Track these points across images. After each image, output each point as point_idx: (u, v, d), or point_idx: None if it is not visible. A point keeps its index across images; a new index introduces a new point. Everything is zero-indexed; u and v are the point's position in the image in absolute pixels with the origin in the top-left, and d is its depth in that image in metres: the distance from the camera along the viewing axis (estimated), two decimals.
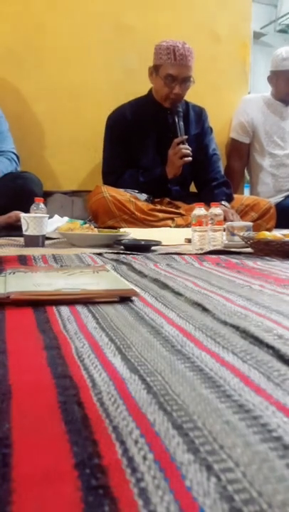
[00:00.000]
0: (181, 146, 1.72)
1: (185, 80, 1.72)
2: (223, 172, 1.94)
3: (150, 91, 1.85)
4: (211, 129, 1.95)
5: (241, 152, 2.26)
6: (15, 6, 1.91)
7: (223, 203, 1.76)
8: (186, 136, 1.74)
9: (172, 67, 1.69)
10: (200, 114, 1.92)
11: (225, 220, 1.58)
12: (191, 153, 1.72)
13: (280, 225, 1.86)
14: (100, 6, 2.03)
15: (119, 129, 1.81)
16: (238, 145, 2.25)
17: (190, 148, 1.73)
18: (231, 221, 1.61)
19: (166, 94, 1.75)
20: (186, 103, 1.89)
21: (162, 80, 1.73)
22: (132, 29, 2.07)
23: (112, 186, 1.73)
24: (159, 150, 1.80)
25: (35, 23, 1.94)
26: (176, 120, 1.74)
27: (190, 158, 1.72)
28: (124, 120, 1.81)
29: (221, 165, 1.96)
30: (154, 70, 1.76)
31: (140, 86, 1.92)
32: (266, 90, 2.33)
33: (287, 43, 3.08)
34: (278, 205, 2.02)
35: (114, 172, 1.80)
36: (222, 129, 2.22)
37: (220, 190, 1.83)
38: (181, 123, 1.75)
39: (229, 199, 1.83)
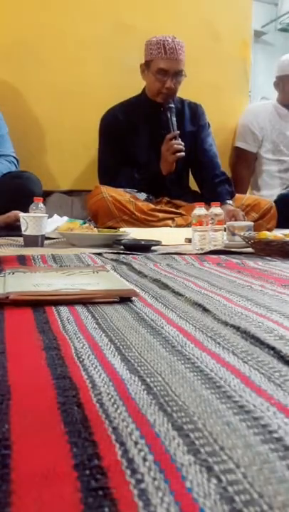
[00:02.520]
0: (173, 141, 1.71)
1: (177, 74, 1.72)
2: (222, 168, 1.93)
3: (143, 90, 1.85)
4: (209, 125, 1.93)
5: (249, 161, 2.26)
6: (15, 6, 1.91)
7: (229, 202, 1.76)
8: (177, 132, 1.73)
9: (163, 61, 1.69)
10: (195, 110, 1.91)
11: (235, 219, 1.59)
12: (183, 148, 1.71)
13: (282, 215, 1.85)
14: (99, 6, 2.03)
15: (111, 129, 1.82)
16: (245, 154, 2.25)
17: (182, 144, 1.72)
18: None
19: (158, 89, 1.74)
20: (182, 100, 1.88)
21: (154, 75, 1.73)
22: (132, 28, 2.07)
23: (108, 186, 1.73)
24: (154, 147, 1.79)
25: (35, 23, 1.94)
26: (169, 116, 1.74)
27: (183, 154, 1.71)
28: (116, 120, 1.82)
29: (219, 160, 1.94)
30: (146, 66, 1.76)
31: (140, 85, 1.91)
32: (266, 89, 2.33)
33: (287, 41, 3.08)
34: (279, 198, 2.02)
35: (108, 172, 1.80)
36: (222, 128, 2.21)
37: (223, 188, 1.81)
38: (174, 118, 1.75)
39: (232, 196, 1.83)
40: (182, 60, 1.71)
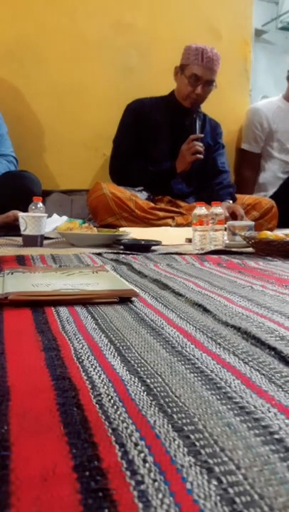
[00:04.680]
0: (196, 142, 1.75)
1: (208, 83, 1.78)
2: (229, 181, 1.95)
3: (172, 92, 1.89)
4: (223, 146, 2.00)
5: (254, 162, 2.26)
6: (15, 5, 1.91)
7: (229, 201, 1.78)
8: (202, 135, 1.78)
9: (198, 67, 1.76)
10: (215, 128, 1.98)
11: (235, 215, 1.60)
12: (203, 151, 1.76)
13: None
14: (99, 5, 2.03)
15: (135, 118, 1.86)
16: (250, 156, 2.25)
17: (204, 147, 1.76)
18: (242, 216, 1.62)
19: (188, 94, 1.80)
20: (204, 114, 1.93)
21: (186, 79, 1.78)
22: (132, 27, 2.07)
23: (119, 171, 1.78)
24: (172, 146, 1.83)
25: (35, 22, 1.94)
26: (195, 118, 1.79)
27: (201, 156, 1.75)
28: (142, 110, 1.86)
29: (230, 177, 1.97)
30: (180, 69, 1.81)
31: (140, 84, 1.92)
32: (267, 88, 2.31)
33: (288, 40, 3.06)
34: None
35: (122, 158, 1.83)
36: (222, 126, 2.21)
37: (225, 191, 1.85)
38: (200, 122, 1.80)
39: (233, 199, 1.84)
40: (216, 71, 1.79)
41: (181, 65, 1.81)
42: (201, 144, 1.76)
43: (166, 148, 1.84)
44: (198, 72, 1.76)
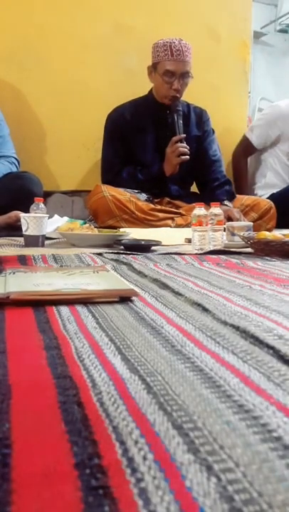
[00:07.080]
0: (179, 144, 1.72)
1: (183, 76, 1.73)
2: (225, 172, 1.94)
3: (150, 91, 1.87)
4: (213, 131, 1.96)
5: (250, 152, 2.23)
6: (15, 6, 1.91)
7: (225, 202, 1.76)
8: (184, 135, 1.74)
9: (170, 63, 1.71)
10: (201, 115, 1.92)
11: (231, 219, 1.59)
12: (188, 152, 1.73)
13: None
14: (100, 7, 2.03)
15: (117, 127, 1.83)
16: (249, 147, 2.22)
17: (188, 147, 1.73)
18: (238, 219, 1.61)
19: (166, 91, 1.75)
20: (188, 105, 1.90)
21: (161, 77, 1.74)
22: (132, 29, 2.07)
23: (110, 183, 1.74)
24: (158, 148, 1.80)
25: (35, 24, 1.94)
26: (176, 118, 1.75)
27: (187, 157, 1.72)
28: (123, 119, 1.83)
29: (223, 165, 1.95)
30: (153, 68, 1.77)
31: (140, 86, 1.92)
32: (265, 90, 2.31)
33: (287, 42, 3.07)
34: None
35: (112, 169, 1.81)
36: (221, 128, 2.21)
37: (221, 190, 1.83)
38: (180, 122, 1.76)
39: (231, 197, 1.83)
40: (189, 61, 1.73)
41: (152, 64, 1.75)
42: (184, 145, 1.72)
43: (154, 150, 1.81)
44: (171, 67, 1.70)
